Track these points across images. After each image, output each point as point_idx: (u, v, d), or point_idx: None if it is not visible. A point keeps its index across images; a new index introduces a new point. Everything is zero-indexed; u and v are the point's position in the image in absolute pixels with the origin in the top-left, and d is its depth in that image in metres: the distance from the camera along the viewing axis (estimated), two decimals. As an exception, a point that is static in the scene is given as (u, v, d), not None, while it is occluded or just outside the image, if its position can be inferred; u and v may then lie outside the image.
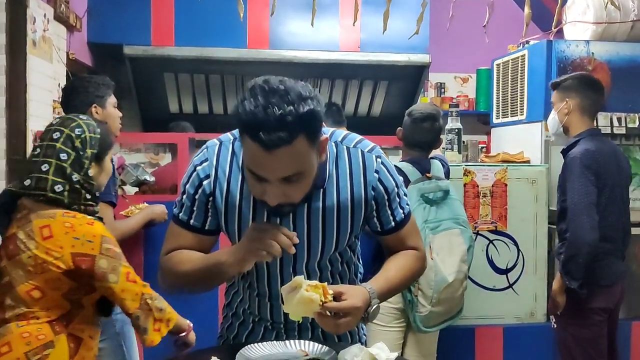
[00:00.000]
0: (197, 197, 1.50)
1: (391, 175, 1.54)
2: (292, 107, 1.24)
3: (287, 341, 1.46)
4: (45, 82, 3.22)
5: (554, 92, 2.91)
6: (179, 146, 3.17)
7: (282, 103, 1.24)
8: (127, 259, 3.03)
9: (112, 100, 2.69)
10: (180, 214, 1.53)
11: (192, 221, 1.52)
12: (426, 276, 2.58)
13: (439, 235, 2.67)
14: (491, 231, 3.25)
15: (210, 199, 1.49)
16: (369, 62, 4.58)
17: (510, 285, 3.28)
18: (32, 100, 3.02)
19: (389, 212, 1.55)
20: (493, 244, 3.26)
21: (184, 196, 1.52)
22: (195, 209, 1.51)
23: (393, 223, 1.57)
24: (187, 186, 1.52)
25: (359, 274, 1.71)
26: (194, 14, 4.43)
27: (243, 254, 1.37)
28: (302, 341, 1.48)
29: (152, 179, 3.24)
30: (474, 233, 3.22)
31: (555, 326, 2.84)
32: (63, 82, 3.52)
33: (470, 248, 2.77)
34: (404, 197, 1.59)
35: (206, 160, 1.50)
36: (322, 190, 1.47)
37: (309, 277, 1.50)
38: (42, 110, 3.17)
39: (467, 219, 2.83)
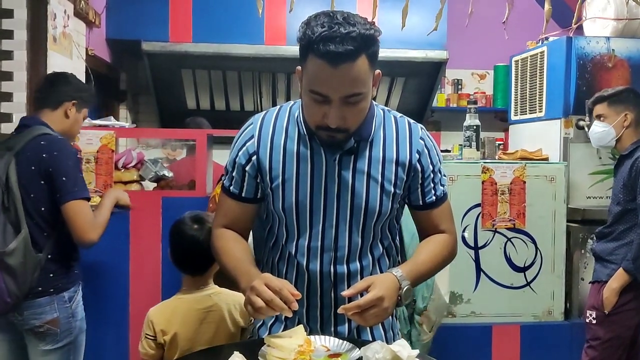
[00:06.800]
0: (237, 159, 1.57)
1: (435, 148, 1.61)
2: (356, 28, 1.35)
3: (309, 337, 1.46)
4: (65, 78, 3.25)
5: (600, 104, 2.91)
6: (197, 142, 3.18)
7: (347, 24, 1.35)
8: (145, 250, 3.06)
9: (86, 112, 2.60)
10: (224, 181, 1.61)
11: (232, 188, 1.60)
12: (434, 301, 2.56)
13: None
14: (509, 229, 3.23)
15: (253, 157, 1.55)
16: (385, 58, 4.46)
17: (528, 284, 3.26)
18: (52, 96, 3.05)
19: (432, 185, 1.59)
20: (511, 242, 3.24)
21: (228, 162, 1.61)
22: (234, 174, 1.58)
23: (434, 197, 1.60)
24: (232, 152, 1.60)
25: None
26: (212, 11, 4.45)
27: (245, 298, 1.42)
28: (324, 336, 1.48)
29: (171, 174, 3.26)
30: (491, 230, 3.22)
31: (595, 322, 2.83)
32: (82, 78, 3.54)
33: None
34: (444, 176, 1.63)
35: (251, 124, 1.60)
36: (368, 143, 1.53)
37: (349, 259, 1.54)
38: (62, 105, 3.19)
39: None
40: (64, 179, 2.27)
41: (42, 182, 2.28)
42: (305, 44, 1.38)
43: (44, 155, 2.28)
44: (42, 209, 2.29)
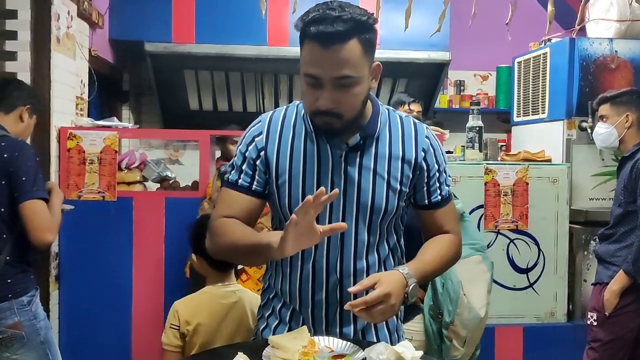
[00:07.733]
0: (247, 154, 1.57)
1: (440, 148, 1.62)
2: (349, 13, 1.38)
3: (313, 337, 1.47)
4: (69, 79, 3.25)
5: (603, 105, 2.93)
6: (200, 142, 3.19)
7: (341, 9, 1.38)
8: (148, 251, 3.06)
9: (35, 118, 2.62)
10: (230, 175, 1.60)
11: (240, 181, 1.58)
12: (460, 315, 2.45)
13: (459, 264, 2.36)
14: (512, 230, 3.24)
15: (262, 153, 1.56)
16: (388, 59, 4.54)
17: (531, 285, 3.26)
18: (55, 96, 3.05)
19: (437, 184, 1.60)
20: (513, 243, 3.24)
21: (236, 157, 1.60)
22: (244, 167, 1.57)
23: (439, 197, 1.61)
24: (240, 146, 1.60)
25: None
26: (214, 12, 4.45)
27: (287, 239, 1.35)
28: (328, 337, 1.48)
29: (174, 175, 3.27)
30: (494, 232, 3.22)
31: (595, 324, 2.83)
32: (85, 79, 3.56)
33: (492, 276, 2.57)
34: (448, 177, 1.65)
35: (259, 122, 1.60)
36: (374, 140, 1.54)
37: (355, 256, 1.54)
38: (65, 106, 3.20)
39: (484, 244, 2.65)
40: (23, 178, 2.28)
41: (3, 182, 2.29)
42: (301, 28, 1.41)
43: (5, 155, 2.29)
44: (2, 209, 2.30)
